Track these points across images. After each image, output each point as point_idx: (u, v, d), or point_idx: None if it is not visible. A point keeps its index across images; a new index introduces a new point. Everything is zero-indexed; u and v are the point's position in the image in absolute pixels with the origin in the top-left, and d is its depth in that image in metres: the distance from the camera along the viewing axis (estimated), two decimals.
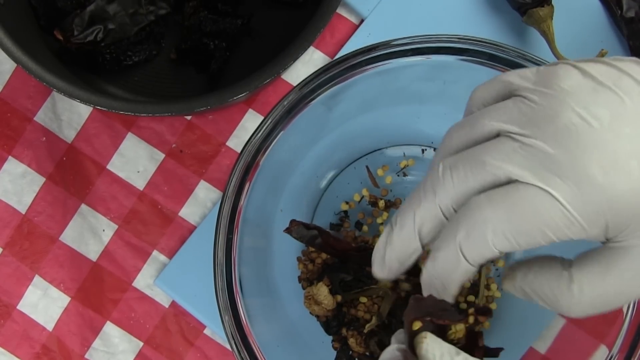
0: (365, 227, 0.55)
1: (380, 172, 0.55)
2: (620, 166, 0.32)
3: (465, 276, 0.37)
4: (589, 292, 0.35)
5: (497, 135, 0.35)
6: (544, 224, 0.33)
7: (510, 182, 0.34)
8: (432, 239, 0.37)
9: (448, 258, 0.36)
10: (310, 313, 0.52)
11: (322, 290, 0.50)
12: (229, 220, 0.46)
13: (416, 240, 0.37)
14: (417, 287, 0.50)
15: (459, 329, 0.38)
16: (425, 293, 0.39)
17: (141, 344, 0.58)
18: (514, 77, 0.36)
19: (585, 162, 0.33)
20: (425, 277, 0.38)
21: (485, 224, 0.34)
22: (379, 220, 0.55)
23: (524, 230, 0.33)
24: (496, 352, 0.42)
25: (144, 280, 0.59)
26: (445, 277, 0.37)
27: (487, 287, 0.53)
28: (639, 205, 0.33)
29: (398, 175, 0.55)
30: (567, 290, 0.35)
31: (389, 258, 0.38)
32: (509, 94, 0.36)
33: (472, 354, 0.37)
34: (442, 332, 0.37)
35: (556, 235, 0.33)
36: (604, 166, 0.32)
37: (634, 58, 0.35)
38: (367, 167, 0.55)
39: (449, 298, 0.38)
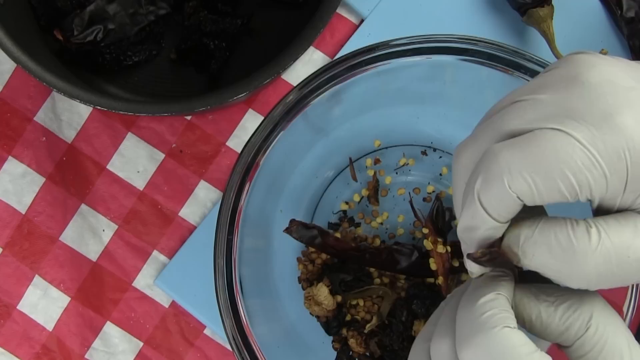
0: (360, 229, 0.55)
1: (382, 172, 0.55)
2: None
3: (490, 233, 0.35)
4: (607, 241, 0.33)
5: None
6: (563, 162, 0.32)
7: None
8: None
9: (469, 214, 0.35)
10: (311, 313, 0.52)
11: (322, 291, 0.50)
12: (229, 220, 0.46)
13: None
14: (417, 287, 0.50)
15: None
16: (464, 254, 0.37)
17: (141, 344, 0.58)
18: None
19: (604, 106, 0.32)
20: (459, 236, 0.37)
21: (501, 164, 0.33)
22: (378, 220, 0.55)
23: (542, 169, 0.32)
24: None
25: (144, 280, 0.58)
26: (468, 235, 0.36)
27: None
28: None
29: (397, 174, 0.55)
30: (585, 234, 0.33)
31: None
32: None
33: None
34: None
35: (577, 178, 0.32)
36: (623, 110, 0.32)
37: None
38: (350, 158, 0.55)
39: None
